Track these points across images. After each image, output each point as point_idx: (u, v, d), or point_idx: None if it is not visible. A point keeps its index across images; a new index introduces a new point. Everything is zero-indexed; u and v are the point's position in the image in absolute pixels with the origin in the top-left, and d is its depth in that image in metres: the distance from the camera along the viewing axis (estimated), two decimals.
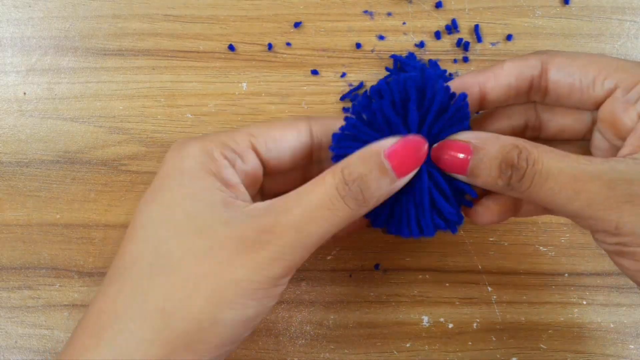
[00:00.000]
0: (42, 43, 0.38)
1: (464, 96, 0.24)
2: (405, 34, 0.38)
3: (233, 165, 0.23)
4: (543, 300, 0.33)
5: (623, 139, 0.21)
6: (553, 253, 0.34)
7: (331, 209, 0.21)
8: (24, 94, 0.35)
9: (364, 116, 0.24)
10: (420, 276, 0.33)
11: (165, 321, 0.20)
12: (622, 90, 0.21)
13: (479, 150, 0.21)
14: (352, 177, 0.21)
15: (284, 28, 0.38)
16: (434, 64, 0.32)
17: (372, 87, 0.25)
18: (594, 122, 0.24)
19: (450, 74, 0.33)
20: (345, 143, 0.24)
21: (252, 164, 0.24)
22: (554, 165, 0.20)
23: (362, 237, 0.33)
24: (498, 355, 0.32)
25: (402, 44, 0.38)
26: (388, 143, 0.22)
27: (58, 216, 0.34)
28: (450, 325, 0.32)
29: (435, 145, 0.22)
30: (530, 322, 0.32)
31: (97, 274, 0.33)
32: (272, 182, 0.27)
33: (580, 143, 0.25)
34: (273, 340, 0.32)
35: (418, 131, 0.23)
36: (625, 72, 0.21)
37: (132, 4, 0.38)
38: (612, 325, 0.32)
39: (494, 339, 0.32)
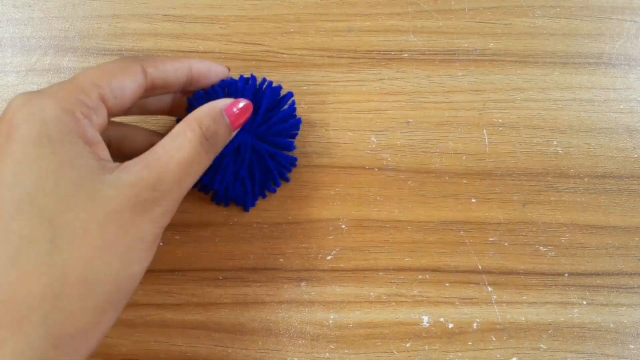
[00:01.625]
0: (42, 43, 0.37)
1: (290, 95, 0.33)
2: (405, 34, 0.38)
3: (90, 122, 0.23)
4: (543, 300, 0.33)
5: None
6: (553, 253, 0.34)
7: (200, 162, 0.25)
8: None
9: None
10: (420, 276, 0.33)
11: (90, 289, 0.20)
12: None
13: None
14: (209, 132, 0.25)
15: (284, 28, 0.38)
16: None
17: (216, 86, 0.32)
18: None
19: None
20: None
21: (103, 117, 0.24)
22: None
23: (362, 237, 0.33)
24: (498, 355, 0.32)
25: (402, 44, 0.38)
26: (225, 103, 0.28)
27: None
28: (450, 325, 0.32)
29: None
30: (530, 322, 0.32)
31: None
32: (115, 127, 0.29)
33: None
34: (273, 340, 0.32)
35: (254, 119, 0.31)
36: None
37: (132, 4, 0.38)
38: (612, 325, 0.32)
39: (494, 339, 0.32)
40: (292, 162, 0.33)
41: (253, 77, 0.33)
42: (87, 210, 0.21)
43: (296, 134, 0.33)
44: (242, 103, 0.28)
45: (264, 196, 0.34)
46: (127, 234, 0.22)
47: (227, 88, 0.32)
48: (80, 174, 0.21)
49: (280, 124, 0.32)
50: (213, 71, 0.30)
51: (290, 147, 0.33)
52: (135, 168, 0.23)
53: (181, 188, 0.24)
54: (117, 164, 0.23)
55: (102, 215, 0.21)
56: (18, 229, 0.20)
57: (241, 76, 0.34)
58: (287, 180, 0.34)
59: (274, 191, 0.34)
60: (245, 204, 0.34)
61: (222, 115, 0.27)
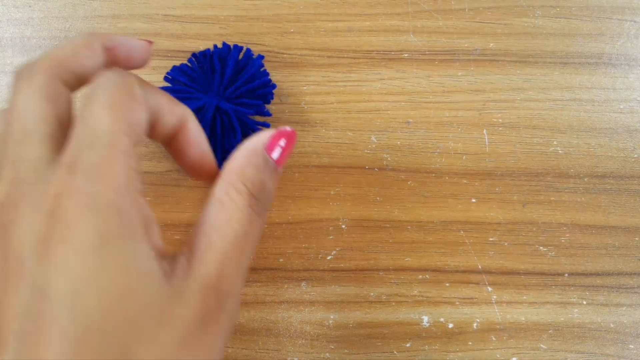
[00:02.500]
0: (42, 43, 0.37)
1: (260, 57, 0.34)
2: (405, 34, 0.38)
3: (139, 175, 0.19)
4: (543, 300, 0.33)
5: None
6: (553, 253, 0.34)
7: (254, 231, 0.20)
8: None
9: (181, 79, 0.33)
10: (420, 276, 0.33)
11: None
12: None
13: None
14: (257, 189, 0.20)
15: (284, 28, 0.38)
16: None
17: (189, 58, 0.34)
18: None
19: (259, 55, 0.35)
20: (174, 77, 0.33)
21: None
22: None
23: (362, 237, 0.33)
24: (498, 355, 0.32)
25: (402, 44, 0.38)
26: (265, 139, 0.21)
27: None
28: (450, 325, 0.32)
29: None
30: (530, 322, 0.32)
31: None
32: None
33: None
34: (273, 340, 0.32)
35: (220, 83, 0.32)
36: None
37: (132, 4, 0.38)
38: (612, 325, 0.32)
39: (494, 339, 0.32)
40: (263, 128, 0.34)
41: (225, 46, 0.34)
42: (159, 341, 0.17)
43: (270, 99, 0.34)
44: (283, 137, 0.22)
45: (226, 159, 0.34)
46: (196, 357, 0.17)
47: (200, 60, 0.34)
48: (148, 291, 0.17)
49: (247, 85, 0.33)
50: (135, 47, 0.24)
51: (261, 109, 0.33)
52: (195, 268, 0.18)
53: (242, 271, 0.19)
54: (169, 261, 0.18)
55: (174, 343, 0.17)
56: None
57: (214, 46, 0.34)
58: None
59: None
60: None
61: (264, 157, 0.21)
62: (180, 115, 0.22)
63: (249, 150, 0.21)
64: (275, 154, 0.21)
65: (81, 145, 0.18)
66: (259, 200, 0.20)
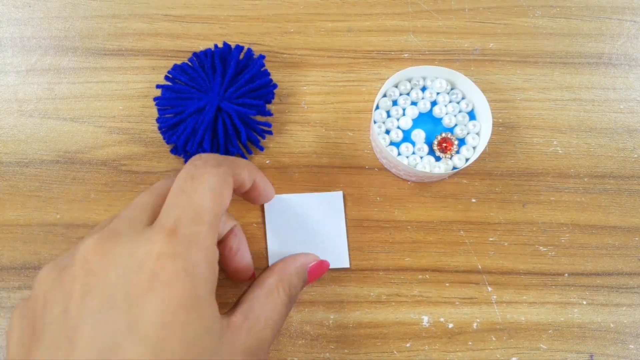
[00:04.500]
0: (42, 43, 0.38)
1: (261, 57, 0.34)
2: (405, 34, 0.38)
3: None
4: (543, 300, 0.33)
5: None
6: (553, 253, 0.34)
7: (283, 320, 0.27)
8: None
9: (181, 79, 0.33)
10: (420, 276, 0.33)
11: None
12: None
13: None
14: (294, 293, 0.28)
15: (284, 28, 0.38)
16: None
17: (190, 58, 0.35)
18: None
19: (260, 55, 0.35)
20: (165, 94, 0.33)
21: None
22: None
23: (362, 237, 0.33)
24: (498, 355, 0.32)
25: (402, 44, 0.38)
26: (311, 262, 0.30)
27: (58, 216, 0.34)
28: (450, 325, 0.32)
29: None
30: (530, 322, 0.32)
31: None
32: None
33: None
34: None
35: (222, 81, 0.33)
36: None
37: (132, 4, 0.38)
38: (612, 325, 0.32)
39: (494, 339, 0.32)
40: (265, 128, 0.34)
41: (227, 45, 0.34)
42: None
43: (271, 99, 0.34)
44: (321, 264, 0.31)
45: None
46: None
47: (201, 59, 0.34)
48: (213, 343, 0.21)
49: (248, 85, 0.33)
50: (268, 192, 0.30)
51: (262, 109, 0.34)
52: (241, 332, 0.23)
53: (269, 345, 0.25)
54: (223, 318, 0.23)
55: None
56: None
57: (215, 45, 0.35)
58: (260, 149, 0.35)
59: (250, 153, 0.35)
60: None
61: (305, 274, 0.29)
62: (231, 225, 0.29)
63: (300, 264, 0.29)
64: (312, 272, 0.30)
65: (184, 217, 0.21)
66: (291, 301, 0.27)
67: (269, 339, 0.25)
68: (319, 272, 0.30)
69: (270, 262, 0.31)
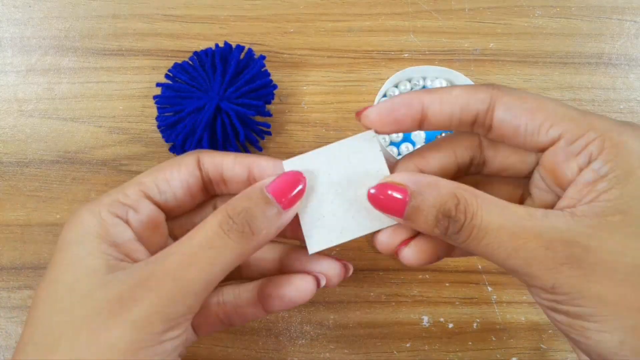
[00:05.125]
0: (42, 43, 0.38)
1: (262, 58, 0.34)
2: (405, 34, 0.38)
3: (126, 221, 0.22)
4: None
5: (563, 188, 0.21)
6: None
7: (214, 247, 0.20)
8: None
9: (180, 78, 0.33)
10: (420, 276, 0.33)
11: None
12: (566, 141, 0.20)
13: (416, 196, 0.21)
14: (236, 211, 0.21)
15: (284, 28, 0.38)
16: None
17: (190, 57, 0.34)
18: (537, 163, 0.23)
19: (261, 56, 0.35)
20: (165, 93, 0.33)
21: (147, 212, 0.23)
22: (493, 220, 0.19)
23: (362, 237, 0.33)
24: (498, 355, 0.32)
25: (402, 43, 0.38)
26: (268, 180, 0.22)
27: (58, 216, 0.34)
28: (450, 325, 0.32)
29: (375, 186, 0.22)
30: (530, 322, 0.32)
31: None
32: (185, 223, 0.26)
33: (523, 180, 0.24)
34: (273, 340, 0.32)
35: (222, 79, 0.32)
36: (572, 122, 0.20)
37: (132, 4, 0.38)
38: None
39: (494, 339, 0.32)
40: (263, 129, 0.34)
41: (227, 45, 0.34)
42: (71, 313, 0.20)
43: (271, 99, 0.34)
44: (283, 176, 0.22)
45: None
46: (96, 340, 0.19)
47: (202, 58, 0.34)
48: (78, 276, 0.20)
49: (248, 85, 0.33)
50: (274, 168, 0.24)
51: (262, 109, 0.34)
52: (139, 264, 0.21)
53: (180, 283, 0.20)
54: (132, 263, 0.21)
55: (80, 318, 0.19)
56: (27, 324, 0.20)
57: (216, 45, 0.34)
58: (259, 149, 0.35)
59: (248, 153, 0.34)
60: None
61: (260, 192, 0.22)
62: (244, 166, 0.24)
63: (248, 188, 0.22)
64: (271, 188, 0.22)
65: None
66: (233, 220, 0.20)
67: (175, 265, 0.20)
68: (284, 183, 0.22)
69: (310, 250, 0.23)
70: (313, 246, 0.23)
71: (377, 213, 0.22)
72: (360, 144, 0.24)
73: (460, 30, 0.38)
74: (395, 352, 0.32)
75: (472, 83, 0.34)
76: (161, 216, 0.24)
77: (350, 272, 0.25)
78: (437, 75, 0.35)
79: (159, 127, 0.33)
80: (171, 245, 0.21)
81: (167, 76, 0.34)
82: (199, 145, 0.32)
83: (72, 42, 0.37)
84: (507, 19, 0.39)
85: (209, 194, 0.25)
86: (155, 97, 0.34)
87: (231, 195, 0.23)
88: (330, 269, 0.24)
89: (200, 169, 0.24)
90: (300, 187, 0.22)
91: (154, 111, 0.36)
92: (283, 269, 0.25)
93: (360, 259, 0.33)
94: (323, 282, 0.24)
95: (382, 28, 0.38)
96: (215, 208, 0.26)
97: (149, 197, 0.23)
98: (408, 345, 0.32)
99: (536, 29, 0.39)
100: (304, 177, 0.23)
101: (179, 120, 0.32)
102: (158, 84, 0.34)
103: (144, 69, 0.37)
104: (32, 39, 0.38)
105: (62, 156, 0.35)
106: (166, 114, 0.33)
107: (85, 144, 0.35)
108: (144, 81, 0.36)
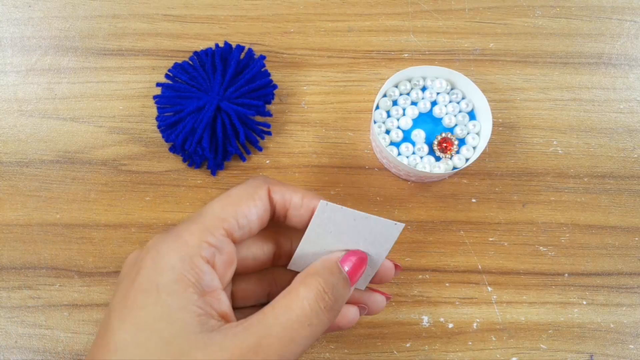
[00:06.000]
0: (42, 43, 0.37)
1: (261, 58, 0.34)
2: (405, 34, 0.38)
3: (213, 265, 0.22)
4: (543, 300, 0.33)
5: None
6: (553, 253, 0.34)
7: (312, 325, 0.21)
8: None
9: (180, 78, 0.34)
10: (420, 276, 0.33)
11: None
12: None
13: None
14: (329, 287, 0.22)
15: (284, 28, 0.38)
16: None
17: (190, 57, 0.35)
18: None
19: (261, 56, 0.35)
20: (165, 92, 0.33)
21: (229, 251, 0.23)
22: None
23: None
24: (498, 355, 0.32)
25: (402, 44, 0.38)
26: (340, 255, 0.24)
27: (58, 216, 0.34)
28: (450, 325, 0.32)
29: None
30: (530, 322, 0.32)
31: (97, 274, 0.33)
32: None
33: None
34: None
35: (222, 80, 0.33)
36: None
37: (132, 4, 0.38)
38: (612, 325, 0.32)
39: (494, 339, 0.32)
40: (263, 129, 0.34)
41: (227, 45, 0.35)
42: None
43: (270, 99, 0.34)
44: (355, 256, 0.24)
45: (227, 159, 0.34)
46: None
47: (202, 58, 0.34)
48: (173, 330, 0.20)
49: (248, 85, 0.33)
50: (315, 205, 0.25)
51: (262, 109, 0.34)
52: (235, 330, 0.20)
53: (287, 354, 0.20)
54: (221, 323, 0.21)
55: None
56: None
57: (216, 45, 0.35)
58: (259, 149, 0.35)
59: (249, 153, 0.35)
60: (208, 164, 0.34)
61: (338, 267, 0.23)
62: (302, 199, 0.25)
63: (324, 259, 0.24)
64: (347, 266, 0.24)
65: (188, 220, 0.23)
66: (327, 296, 0.22)
67: (281, 338, 0.20)
68: (358, 264, 0.24)
69: (290, 266, 0.26)
70: (362, 285, 0.26)
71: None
72: (386, 227, 0.24)
73: (460, 30, 0.38)
74: (395, 352, 0.32)
75: (472, 83, 0.34)
76: (235, 253, 0.23)
77: (391, 298, 0.27)
78: (437, 75, 0.35)
79: (159, 127, 0.33)
80: (264, 313, 0.21)
81: (167, 76, 0.34)
82: (199, 145, 0.32)
83: (72, 42, 0.37)
84: (507, 19, 0.39)
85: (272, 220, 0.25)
86: (155, 97, 0.34)
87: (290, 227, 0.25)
88: (375, 299, 0.26)
89: (271, 202, 0.24)
90: (364, 266, 0.24)
91: (154, 111, 0.36)
92: None
93: None
94: (365, 311, 0.26)
95: (382, 28, 0.38)
96: (276, 242, 0.26)
97: (231, 236, 0.23)
98: (408, 345, 0.32)
99: (536, 29, 0.39)
100: (366, 256, 0.24)
101: (179, 120, 0.32)
102: (158, 84, 0.34)
103: (144, 69, 0.37)
104: (32, 39, 0.38)
105: (62, 156, 0.35)
106: (166, 114, 0.33)
107: (85, 144, 0.35)
108: (144, 81, 0.36)
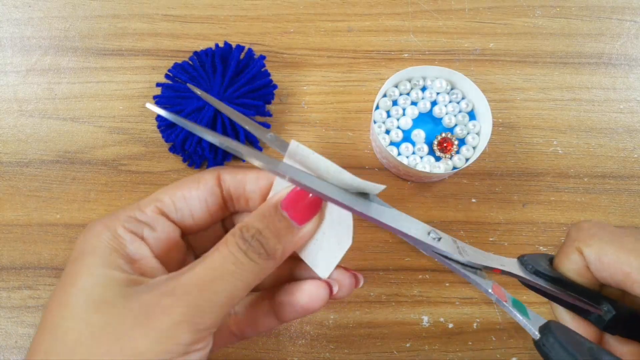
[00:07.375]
0: (42, 43, 0.37)
1: (261, 58, 0.34)
2: (405, 34, 0.38)
3: (141, 237, 0.22)
4: (543, 300, 0.33)
5: None
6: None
7: (235, 264, 0.20)
8: None
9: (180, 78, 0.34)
10: (420, 276, 0.33)
11: None
12: None
13: None
14: (250, 234, 0.21)
15: (284, 28, 0.38)
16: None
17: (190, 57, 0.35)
18: None
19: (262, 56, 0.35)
20: (165, 93, 0.33)
21: (163, 230, 0.23)
22: None
23: (362, 237, 0.33)
24: (498, 355, 0.32)
25: (402, 44, 0.38)
26: (284, 193, 0.22)
27: (58, 216, 0.34)
28: (450, 325, 0.32)
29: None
30: None
31: None
32: (202, 240, 0.25)
33: None
34: (273, 340, 0.32)
35: (222, 79, 0.33)
36: None
37: (132, 4, 0.38)
38: None
39: (494, 339, 0.32)
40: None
41: (227, 45, 0.34)
42: (88, 320, 0.19)
43: (270, 99, 0.34)
44: (302, 195, 0.22)
45: (227, 159, 0.35)
46: (121, 349, 0.19)
47: (202, 58, 0.34)
48: (94, 283, 0.20)
49: (248, 85, 0.33)
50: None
51: (261, 109, 0.34)
52: (160, 279, 0.21)
53: (205, 293, 0.20)
54: (150, 279, 0.21)
55: (99, 325, 0.19)
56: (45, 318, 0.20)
57: (216, 45, 0.35)
58: (259, 150, 0.35)
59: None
60: (208, 164, 0.34)
61: (275, 209, 0.22)
62: (267, 181, 0.24)
63: (263, 204, 0.22)
64: (288, 205, 0.22)
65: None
66: (249, 243, 0.21)
67: (196, 282, 0.20)
68: (293, 197, 0.22)
69: (315, 270, 0.24)
70: (323, 271, 0.23)
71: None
72: (363, 190, 0.22)
73: (460, 30, 0.38)
74: (395, 352, 0.32)
75: (472, 83, 0.34)
76: (177, 234, 0.23)
77: (361, 283, 0.25)
78: (437, 75, 0.35)
79: (159, 127, 0.33)
80: (192, 263, 0.21)
81: (167, 76, 0.34)
82: (199, 145, 0.32)
83: (72, 42, 0.37)
84: (507, 19, 0.39)
85: (229, 211, 0.25)
86: (155, 97, 0.34)
87: (251, 212, 0.23)
88: (342, 278, 0.24)
89: (220, 187, 0.24)
90: (313, 199, 0.22)
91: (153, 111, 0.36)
92: (295, 279, 0.25)
93: (360, 259, 0.33)
94: (335, 289, 0.24)
95: (382, 28, 0.38)
96: (234, 225, 0.25)
97: (165, 215, 0.23)
98: (408, 345, 0.32)
99: (536, 29, 0.39)
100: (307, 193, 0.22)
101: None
102: (158, 84, 0.34)
103: (144, 69, 0.37)
104: (32, 39, 0.38)
105: (62, 156, 0.35)
106: None
107: (85, 144, 0.35)
108: (144, 81, 0.36)
